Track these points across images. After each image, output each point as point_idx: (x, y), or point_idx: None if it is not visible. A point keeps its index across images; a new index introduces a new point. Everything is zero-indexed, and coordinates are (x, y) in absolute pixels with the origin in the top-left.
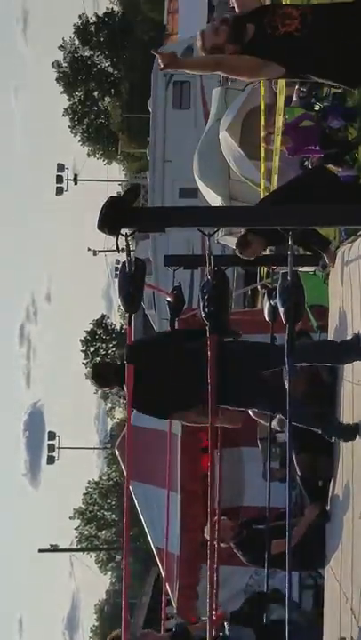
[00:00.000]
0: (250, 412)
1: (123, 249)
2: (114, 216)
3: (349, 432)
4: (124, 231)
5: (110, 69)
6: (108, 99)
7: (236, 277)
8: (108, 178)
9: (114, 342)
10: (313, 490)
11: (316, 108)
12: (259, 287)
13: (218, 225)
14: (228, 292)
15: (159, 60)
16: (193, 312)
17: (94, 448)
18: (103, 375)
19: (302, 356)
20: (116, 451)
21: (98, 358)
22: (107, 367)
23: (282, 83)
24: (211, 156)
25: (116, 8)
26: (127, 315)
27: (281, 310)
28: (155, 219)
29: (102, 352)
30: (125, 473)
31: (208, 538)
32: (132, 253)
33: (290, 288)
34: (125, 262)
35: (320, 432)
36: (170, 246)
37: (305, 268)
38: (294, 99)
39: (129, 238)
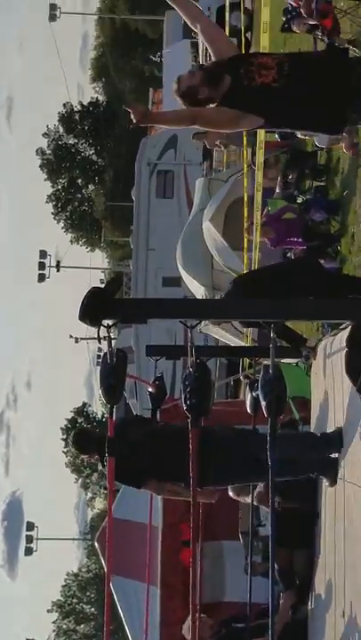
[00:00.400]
0: (230, 492)
1: (104, 337)
2: (95, 307)
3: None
4: (105, 322)
5: (94, 157)
6: (91, 186)
7: (218, 367)
8: (91, 265)
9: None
10: (291, 584)
11: (299, 200)
12: (241, 378)
13: (200, 317)
14: (210, 384)
15: (132, 116)
16: (175, 402)
17: (73, 539)
18: (83, 443)
19: (285, 447)
20: (96, 544)
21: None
22: (88, 436)
23: (260, 177)
24: (194, 245)
25: (101, 97)
26: (109, 405)
27: (263, 404)
28: (136, 310)
29: None
30: (105, 568)
31: (186, 637)
32: (113, 343)
33: (272, 381)
34: (107, 353)
35: (315, 475)
36: (152, 335)
37: (287, 360)
38: (277, 190)
39: (111, 328)
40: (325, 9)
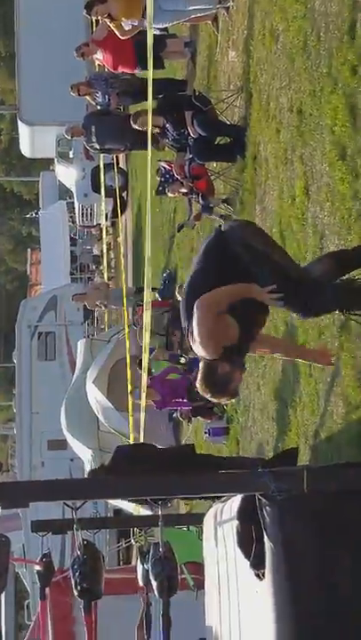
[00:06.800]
0: None
1: None
2: None
3: None
4: None
5: None
6: None
7: (109, 533)
8: None
9: None
10: None
11: (182, 361)
12: (133, 542)
13: (84, 498)
14: (100, 565)
15: None
16: (64, 574)
17: None
18: None
19: None
20: None
21: None
22: None
23: (146, 338)
24: (79, 407)
25: None
26: None
27: (154, 584)
28: (16, 494)
29: None
30: None
31: None
32: None
33: (162, 560)
34: None
35: None
36: (39, 509)
37: (179, 526)
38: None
39: None
40: (199, 172)
